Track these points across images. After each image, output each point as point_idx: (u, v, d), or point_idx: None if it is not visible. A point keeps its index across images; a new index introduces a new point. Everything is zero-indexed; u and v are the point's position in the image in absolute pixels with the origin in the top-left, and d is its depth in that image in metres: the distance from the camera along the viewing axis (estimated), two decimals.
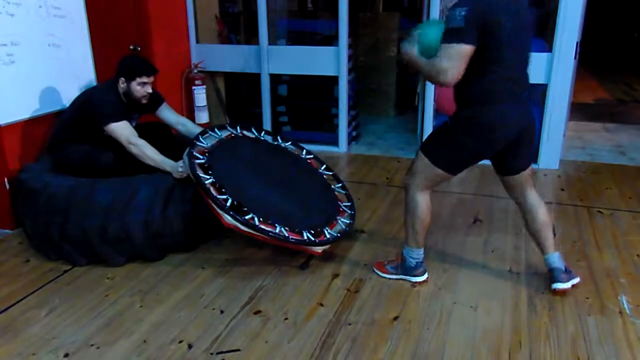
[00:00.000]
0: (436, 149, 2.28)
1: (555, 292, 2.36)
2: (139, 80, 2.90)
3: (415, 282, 2.48)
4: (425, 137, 4.36)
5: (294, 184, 2.95)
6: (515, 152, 2.28)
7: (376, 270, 2.58)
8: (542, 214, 2.39)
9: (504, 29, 2.01)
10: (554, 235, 2.47)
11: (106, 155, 2.87)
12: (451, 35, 1.98)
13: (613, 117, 6.10)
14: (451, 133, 2.24)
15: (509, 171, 2.36)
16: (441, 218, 3.22)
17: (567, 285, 2.36)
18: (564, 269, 2.39)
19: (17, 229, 3.10)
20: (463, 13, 1.94)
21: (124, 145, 2.81)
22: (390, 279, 2.52)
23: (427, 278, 2.49)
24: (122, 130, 2.82)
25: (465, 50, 1.97)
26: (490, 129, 2.15)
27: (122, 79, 2.91)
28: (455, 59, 1.98)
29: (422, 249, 2.47)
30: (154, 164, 2.79)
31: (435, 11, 4.05)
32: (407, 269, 2.49)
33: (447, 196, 3.55)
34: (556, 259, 2.40)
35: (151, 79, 2.95)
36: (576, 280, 2.40)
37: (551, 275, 2.39)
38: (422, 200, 2.35)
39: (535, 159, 4.19)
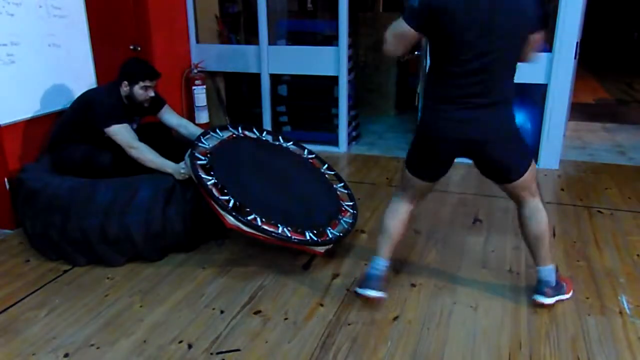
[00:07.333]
0: (408, 150, 2.23)
1: (535, 302, 2.26)
2: (142, 84, 2.90)
3: (362, 296, 2.28)
4: None
5: (296, 184, 2.94)
6: (485, 163, 2.11)
7: None
8: (536, 226, 2.19)
9: (458, 27, 1.84)
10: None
11: (106, 155, 2.87)
12: (404, 11, 1.92)
13: (613, 117, 6.10)
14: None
15: (494, 180, 2.21)
16: (441, 218, 3.21)
17: (549, 300, 2.24)
18: (553, 283, 2.25)
19: (17, 229, 3.09)
20: None
21: (125, 149, 2.81)
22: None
23: (375, 297, 2.26)
24: (123, 133, 2.82)
25: (403, 29, 1.91)
26: (426, 134, 2.06)
27: (125, 82, 2.91)
28: (393, 35, 1.93)
29: (381, 260, 2.28)
30: (155, 167, 2.79)
31: None
32: (363, 279, 2.32)
33: (447, 196, 3.55)
34: (547, 273, 2.26)
35: (154, 82, 2.95)
36: (564, 297, 2.29)
37: (536, 287, 2.28)
38: (393, 204, 2.26)
39: (535, 159, 4.19)
